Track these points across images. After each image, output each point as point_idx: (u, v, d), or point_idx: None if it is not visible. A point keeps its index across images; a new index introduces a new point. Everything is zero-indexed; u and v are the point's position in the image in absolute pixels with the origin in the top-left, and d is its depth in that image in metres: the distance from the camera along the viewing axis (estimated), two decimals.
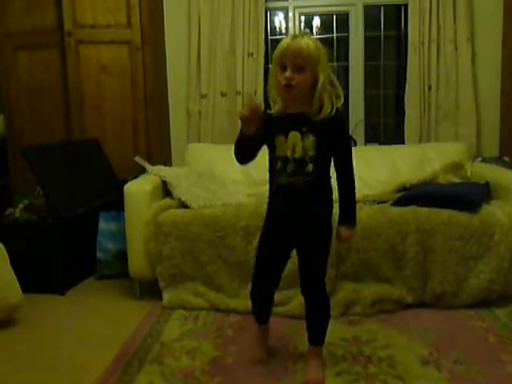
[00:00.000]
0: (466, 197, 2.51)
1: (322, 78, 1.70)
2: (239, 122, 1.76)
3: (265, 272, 1.93)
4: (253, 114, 1.69)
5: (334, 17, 3.93)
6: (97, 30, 3.42)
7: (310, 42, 1.69)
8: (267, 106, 1.87)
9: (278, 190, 1.82)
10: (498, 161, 3.32)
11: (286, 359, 2.02)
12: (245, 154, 1.85)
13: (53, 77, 3.51)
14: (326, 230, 1.83)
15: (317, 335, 1.90)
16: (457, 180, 2.94)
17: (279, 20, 3.92)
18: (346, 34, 3.86)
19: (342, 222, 1.84)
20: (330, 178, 1.83)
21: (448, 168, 3.02)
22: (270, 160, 1.84)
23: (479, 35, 3.59)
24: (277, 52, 1.72)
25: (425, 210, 2.46)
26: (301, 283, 1.88)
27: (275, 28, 3.93)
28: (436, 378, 1.84)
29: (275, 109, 1.80)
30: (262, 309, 2.02)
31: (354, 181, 1.84)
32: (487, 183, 2.70)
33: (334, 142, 1.76)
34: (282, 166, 1.78)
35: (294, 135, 1.75)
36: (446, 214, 2.43)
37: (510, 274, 2.41)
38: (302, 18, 3.90)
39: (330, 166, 1.82)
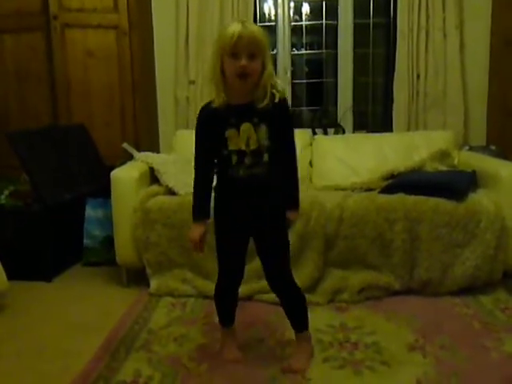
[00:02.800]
0: (453, 185, 2.53)
1: (269, 66, 1.67)
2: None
3: (233, 270, 1.87)
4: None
5: (324, 4, 3.91)
6: (83, 13, 3.37)
7: (259, 30, 1.66)
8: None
9: (236, 184, 1.75)
10: (485, 149, 3.34)
11: (273, 346, 2.02)
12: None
13: (39, 61, 3.45)
14: (283, 218, 1.81)
15: (299, 321, 1.89)
16: (444, 168, 2.95)
17: (268, 6, 3.88)
18: (335, 22, 3.83)
19: (289, 207, 1.83)
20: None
21: (435, 156, 3.03)
22: (219, 155, 1.75)
23: (468, 23, 3.59)
24: (227, 40, 1.62)
25: (412, 197, 2.48)
26: (267, 276, 1.84)
27: (264, 14, 3.90)
28: (421, 363, 1.86)
29: (218, 101, 1.70)
30: (230, 310, 1.94)
31: (296, 165, 1.82)
32: (474, 172, 2.71)
33: (281, 128, 1.75)
34: (239, 159, 1.72)
35: (247, 127, 1.70)
36: (432, 201, 2.45)
37: (495, 262, 2.44)
38: (292, 4, 3.87)
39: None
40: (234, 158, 1.73)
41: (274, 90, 1.71)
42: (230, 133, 1.71)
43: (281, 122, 1.74)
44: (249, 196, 1.77)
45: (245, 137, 1.71)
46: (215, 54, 1.68)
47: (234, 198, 1.79)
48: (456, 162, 3.07)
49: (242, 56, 1.62)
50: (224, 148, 1.73)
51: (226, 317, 1.96)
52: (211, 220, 1.82)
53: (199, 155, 1.79)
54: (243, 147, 1.71)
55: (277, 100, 1.70)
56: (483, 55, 3.64)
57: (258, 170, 1.73)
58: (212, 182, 1.81)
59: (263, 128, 1.71)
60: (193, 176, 1.81)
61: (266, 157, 1.73)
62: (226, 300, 1.93)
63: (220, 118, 1.71)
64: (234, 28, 1.62)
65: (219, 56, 1.66)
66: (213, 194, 1.82)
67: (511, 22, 3.38)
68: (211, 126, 1.74)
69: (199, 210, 1.81)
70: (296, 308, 1.88)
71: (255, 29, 1.65)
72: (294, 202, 1.84)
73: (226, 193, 1.79)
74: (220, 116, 1.71)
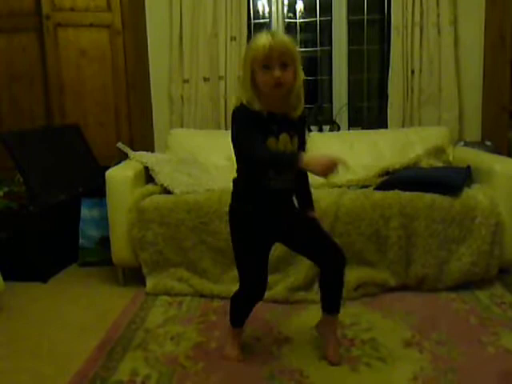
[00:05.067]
0: (448, 181, 2.53)
1: (301, 75, 1.69)
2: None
3: (260, 280, 1.82)
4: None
5: (318, 1, 3.90)
6: (76, 13, 3.36)
7: (289, 39, 1.67)
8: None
9: (270, 193, 1.76)
10: (480, 145, 3.35)
11: (270, 344, 2.02)
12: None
13: (32, 61, 3.44)
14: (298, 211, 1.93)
15: (338, 301, 1.89)
16: (439, 164, 2.96)
17: (262, 3, 3.88)
18: (330, 18, 3.83)
19: (310, 208, 1.94)
20: None
21: (430, 152, 3.03)
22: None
23: (462, 19, 3.60)
24: (258, 52, 1.63)
25: (407, 194, 2.48)
26: (325, 256, 1.84)
27: (258, 11, 3.89)
28: (418, 359, 1.87)
29: (255, 106, 1.69)
30: (246, 315, 1.92)
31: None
32: (469, 167, 2.71)
33: (303, 138, 1.83)
34: (277, 170, 1.74)
35: (284, 138, 1.73)
36: (428, 197, 2.45)
37: (490, 257, 2.44)
38: (286, 1, 3.86)
39: None
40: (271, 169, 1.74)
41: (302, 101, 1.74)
42: (270, 141, 1.71)
43: (303, 133, 1.82)
44: (278, 207, 1.81)
45: (282, 147, 1.72)
46: (246, 65, 1.69)
47: (263, 207, 1.78)
48: (451, 157, 3.08)
49: (275, 67, 1.63)
50: None
51: (239, 319, 1.93)
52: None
53: (255, 139, 1.66)
54: None
55: (301, 111, 1.75)
56: (477, 51, 3.65)
57: (289, 183, 1.79)
58: None
59: (295, 140, 1.76)
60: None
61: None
62: (246, 307, 1.90)
63: (263, 123, 1.69)
64: (264, 40, 1.63)
65: (250, 67, 1.67)
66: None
67: (505, 17, 3.38)
68: (256, 125, 1.68)
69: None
70: (341, 286, 1.87)
71: (285, 39, 1.66)
72: (311, 205, 1.95)
73: (255, 201, 1.77)
74: (263, 121, 1.69)
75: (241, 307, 1.91)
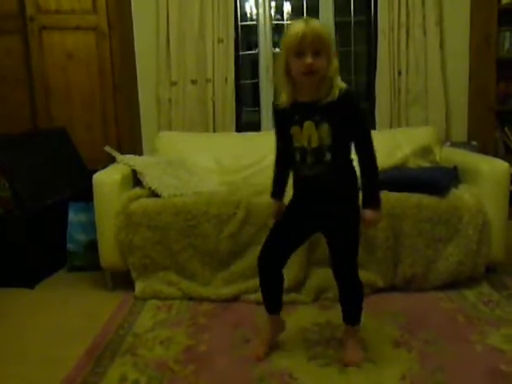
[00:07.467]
0: (435, 181, 2.54)
1: (334, 61, 1.70)
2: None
3: (276, 246, 1.90)
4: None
5: (305, 2, 3.91)
6: (61, 15, 3.34)
7: (322, 26, 1.69)
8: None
9: (303, 181, 1.83)
10: (466, 145, 3.38)
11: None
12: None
13: (16, 64, 3.42)
14: (353, 215, 1.81)
15: (353, 315, 1.93)
16: (426, 164, 2.97)
17: (249, 5, 3.88)
18: None
19: (365, 204, 1.78)
20: (352, 162, 1.81)
21: (417, 153, 3.05)
22: (290, 150, 1.82)
23: (447, 20, 3.63)
24: (291, 39, 1.66)
25: (395, 194, 2.49)
26: (332, 268, 1.88)
27: (246, 14, 3.90)
28: (406, 359, 1.88)
29: (283, 98, 1.77)
30: (272, 292, 1.95)
31: (374, 160, 1.77)
32: (455, 167, 2.73)
33: (348, 123, 1.72)
34: (301, 157, 1.78)
35: (309, 125, 1.74)
36: (415, 198, 2.46)
37: (477, 256, 2.46)
38: (273, 3, 3.88)
39: (350, 151, 1.80)
40: (298, 156, 1.79)
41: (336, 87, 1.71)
42: (294, 130, 1.77)
43: (345, 119, 1.72)
44: (313, 194, 1.81)
45: (307, 135, 1.75)
46: (281, 55, 1.73)
47: (300, 193, 1.87)
48: (438, 158, 3.10)
49: (307, 54, 1.65)
50: (290, 144, 1.80)
51: (266, 302, 1.97)
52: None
53: (276, 144, 1.93)
54: (305, 145, 1.76)
55: (336, 96, 1.69)
56: (463, 51, 3.69)
57: (319, 169, 1.76)
58: (288, 169, 1.91)
59: (325, 126, 1.72)
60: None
61: (328, 156, 1.74)
62: (265, 277, 1.93)
63: (287, 115, 1.78)
64: (298, 27, 1.66)
65: (284, 57, 1.71)
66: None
67: (489, 18, 3.41)
68: (281, 122, 1.84)
69: (272, 191, 1.99)
70: (353, 302, 1.92)
71: (318, 26, 1.68)
72: (370, 201, 1.78)
73: (295, 186, 1.88)
74: (287, 113, 1.78)
75: (261, 277, 1.94)
